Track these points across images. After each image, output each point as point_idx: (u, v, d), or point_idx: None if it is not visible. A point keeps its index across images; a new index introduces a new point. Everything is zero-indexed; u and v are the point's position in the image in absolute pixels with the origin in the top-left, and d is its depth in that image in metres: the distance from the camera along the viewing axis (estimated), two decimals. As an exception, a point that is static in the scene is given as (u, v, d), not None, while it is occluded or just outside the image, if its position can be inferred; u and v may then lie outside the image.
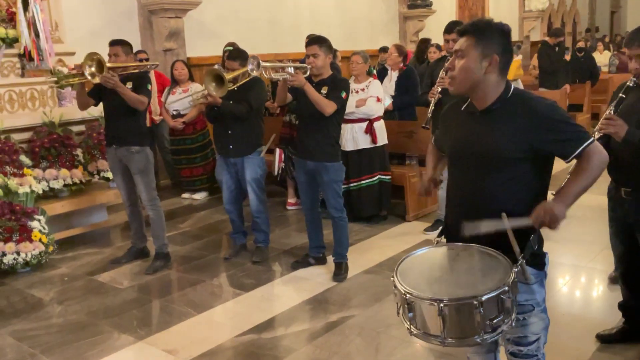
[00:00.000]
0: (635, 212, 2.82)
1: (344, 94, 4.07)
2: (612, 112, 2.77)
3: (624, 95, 2.75)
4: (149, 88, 4.50)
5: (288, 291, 4.17)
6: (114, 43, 4.46)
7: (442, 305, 1.74)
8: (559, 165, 2.12)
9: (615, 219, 3.01)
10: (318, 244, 4.51)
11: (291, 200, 6.18)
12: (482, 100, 2.02)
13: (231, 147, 4.57)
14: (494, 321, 1.76)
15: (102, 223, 5.62)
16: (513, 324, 1.83)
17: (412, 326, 1.85)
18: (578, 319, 3.53)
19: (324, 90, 4.05)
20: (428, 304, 1.77)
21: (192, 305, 3.95)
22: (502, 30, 1.98)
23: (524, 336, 2.03)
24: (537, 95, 2.03)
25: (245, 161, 4.59)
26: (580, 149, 1.92)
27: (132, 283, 4.39)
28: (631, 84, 2.75)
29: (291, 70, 4.01)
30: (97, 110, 5.17)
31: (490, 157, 1.98)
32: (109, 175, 5.45)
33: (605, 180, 2.96)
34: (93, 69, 4.20)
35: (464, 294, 1.76)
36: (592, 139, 1.95)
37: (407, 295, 1.81)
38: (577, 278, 4.22)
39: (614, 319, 3.31)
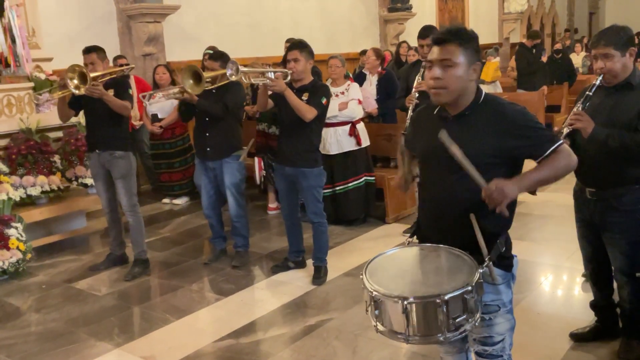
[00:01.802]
0: (600, 212, 2.88)
1: (324, 100, 4.07)
2: (580, 108, 2.83)
3: (590, 93, 2.82)
4: (130, 93, 4.49)
5: (267, 295, 4.18)
6: (88, 51, 4.40)
7: (406, 303, 1.78)
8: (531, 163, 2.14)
9: (581, 219, 3.06)
10: (297, 248, 4.52)
11: (272, 205, 6.18)
12: (456, 106, 2.04)
13: (209, 149, 4.57)
14: (457, 320, 1.79)
15: (80, 230, 5.57)
16: (477, 323, 1.86)
17: (378, 323, 1.89)
18: (553, 318, 3.58)
19: (305, 96, 4.03)
20: (393, 301, 1.81)
21: (171, 311, 3.94)
22: (476, 37, 2.02)
23: (489, 336, 2.06)
24: (508, 101, 2.06)
25: (224, 166, 4.59)
26: (549, 150, 1.97)
27: (111, 290, 4.37)
28: (598, 83, 2.81)
29: (271, 75, 3.99)
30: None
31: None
32: (88, 181, 5.44)
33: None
34: (76, 81, 4.14)
35: (429, 292, 1.79)
36: (562, 141, 1.99)
37: (374, 292, 1.85)
38: (553, 277, 4.27)
39: (589, 318, 3.35)
